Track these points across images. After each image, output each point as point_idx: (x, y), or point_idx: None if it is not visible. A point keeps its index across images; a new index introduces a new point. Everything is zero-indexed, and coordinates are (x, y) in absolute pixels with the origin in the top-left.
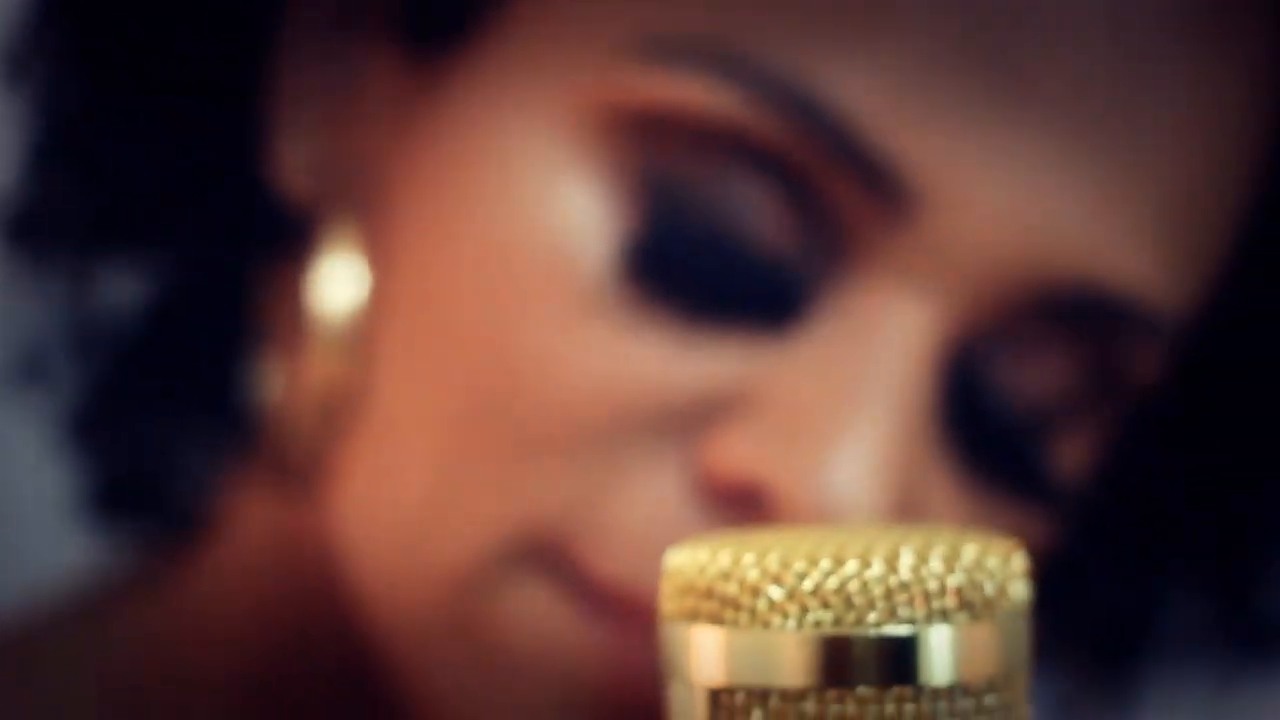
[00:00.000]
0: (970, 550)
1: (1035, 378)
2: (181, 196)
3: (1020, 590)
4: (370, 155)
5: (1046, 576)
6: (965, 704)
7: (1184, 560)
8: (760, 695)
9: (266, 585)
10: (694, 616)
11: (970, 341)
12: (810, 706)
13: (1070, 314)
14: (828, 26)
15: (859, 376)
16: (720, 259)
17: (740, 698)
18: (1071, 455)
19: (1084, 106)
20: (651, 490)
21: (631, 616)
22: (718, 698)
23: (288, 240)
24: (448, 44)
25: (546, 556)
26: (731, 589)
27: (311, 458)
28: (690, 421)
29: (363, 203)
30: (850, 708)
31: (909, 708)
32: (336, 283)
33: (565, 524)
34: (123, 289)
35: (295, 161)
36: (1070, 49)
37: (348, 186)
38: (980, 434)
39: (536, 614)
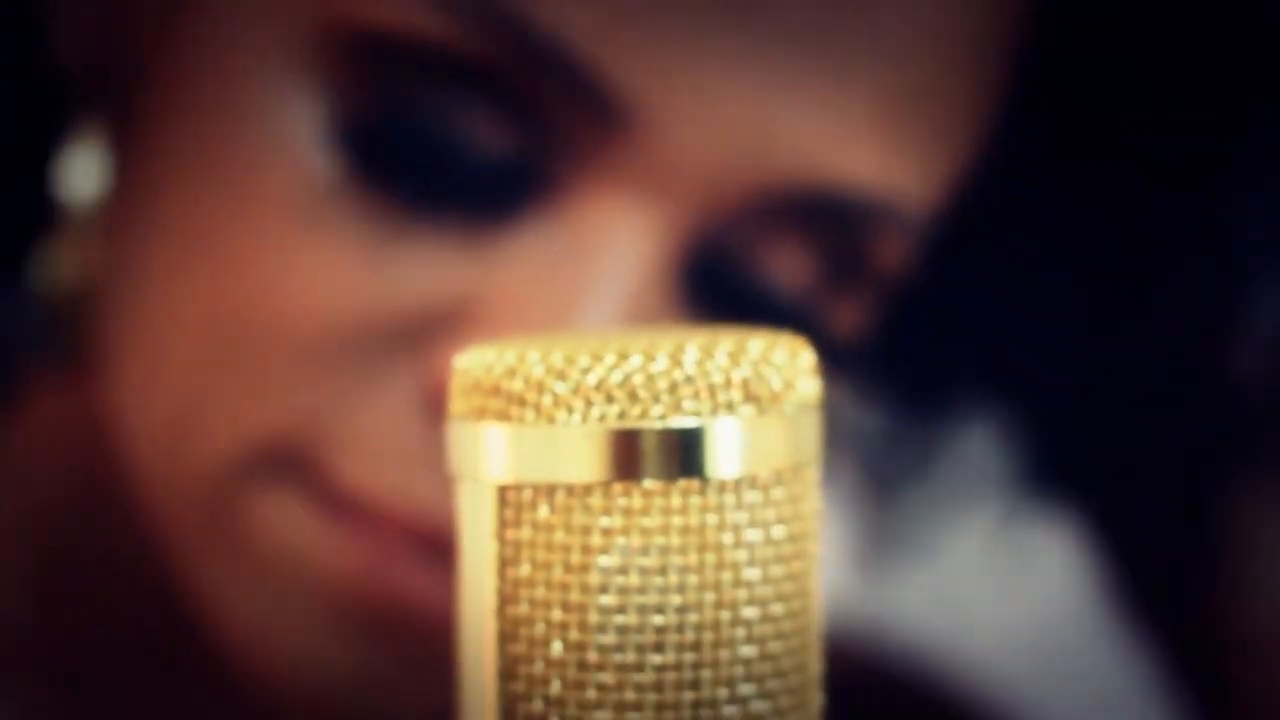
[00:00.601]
0: (756, 345)
1: (785, 268)
2: None
3: (808, 385)
4: (133, 47)
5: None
6: (752, 497)
7: (966, 404)
8: (547, 491)
9: (64, 457)
10: (481, 415)
11: (710, 240)
12: (597, 501)
13: (807, 212)
14: None
15: (582, 283)
16: (441, 169)
17: (528, 494)
18: (843, 323)
19: (804, 9)
20: (389, 401)
21: (377, 526)
22: (505, 495)
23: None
24: None
25: (294, 465)
26: (517, 386)
27: (83, 340)
28: (418, 331)
29: (121, 93)
30: (636, 501)
31: (695, 500)
32: (89, 170)
33: (310, 434)
34: None
35: (71, 43)
36: None
37: (111, 75)
38: (741, 322)
39: (287, 522)
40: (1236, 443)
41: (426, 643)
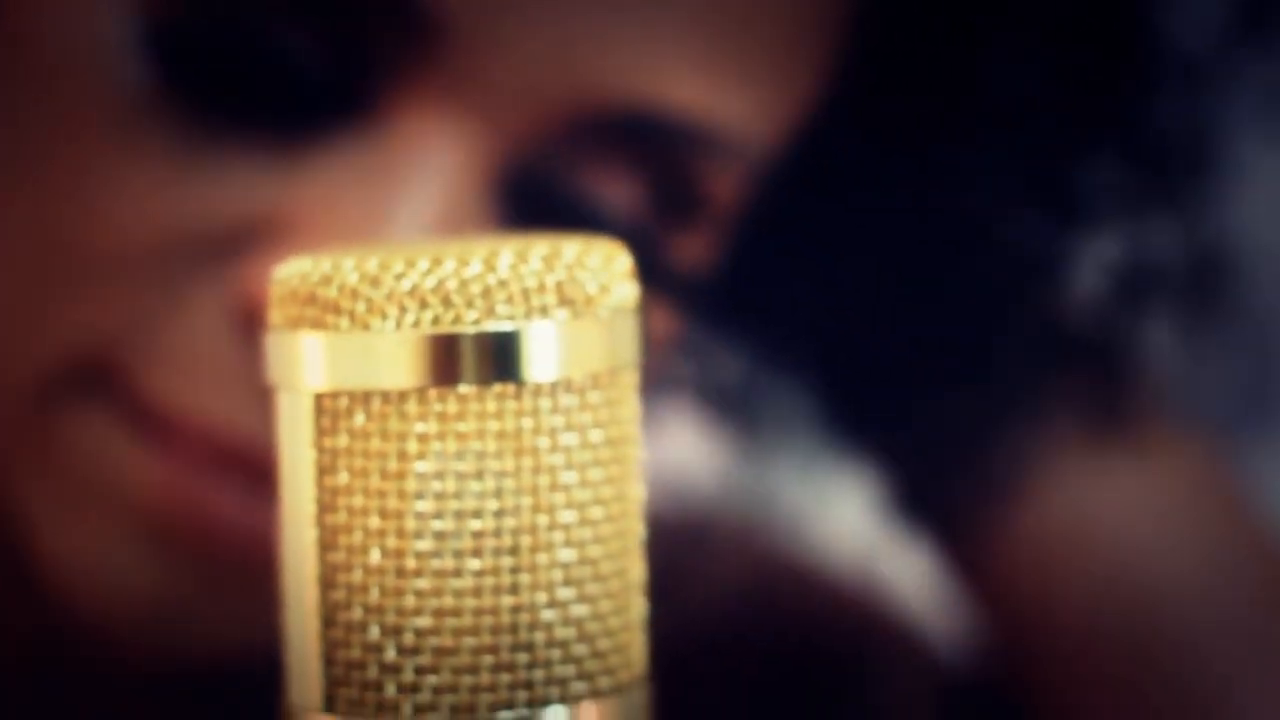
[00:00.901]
0: (571, 249)
1: (612, 192)
2: None
3: (624, 290)
4: None
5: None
6: (568, 400)
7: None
8: (363, 398)
9: None
10: (297, 324)
11: (531, 160)
12: (412, 407)
13: (628, 133)
14: None
15: (392, 198)
16: (255, 81)
17: (344, 402)
18: (682, 255)
19: None
20: (200, 316)
21: (187, 442)
22: (322, 403)
23: None
24: None
25: (104, 382)
26: (331, 293)
27: None
28: (229, 245)
29: None
30: (452, 406)
31: (511, 405)
32: None
33: (120, 349)
34: None
35: None
36: None
37: None
38: None
39: (97, 439)
40: (1053, 387)
41: (239, 560)
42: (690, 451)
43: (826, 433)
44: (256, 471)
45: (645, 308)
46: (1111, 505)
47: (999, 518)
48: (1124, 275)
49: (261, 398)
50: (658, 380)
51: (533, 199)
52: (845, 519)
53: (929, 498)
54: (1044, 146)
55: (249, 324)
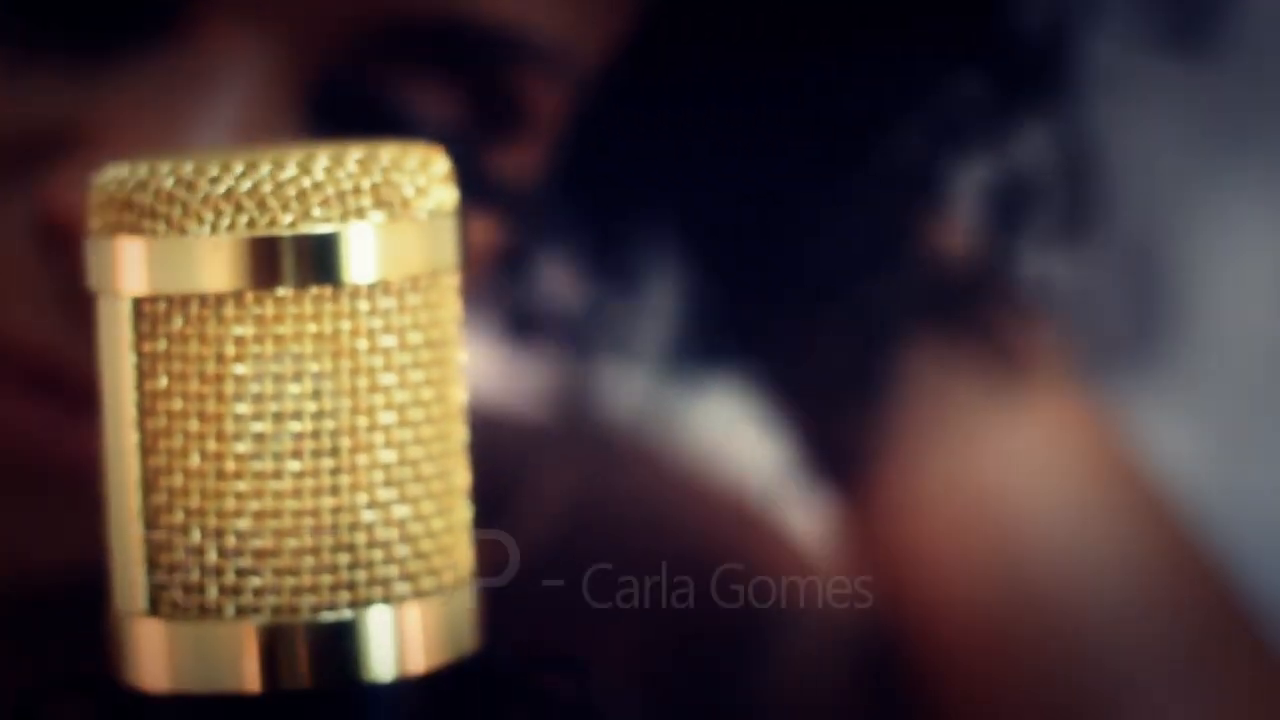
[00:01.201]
0: (387, 152)
1: (429, 104)
2: None
3: (443, 193)
4: None
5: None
6: (387, 303)
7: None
8: (181, 302)
9: None
10: (116, 229)
11: (343, 71)
12: (230, 310)
13: (440, 44)
14: None
15: (194, 109)
16: None
17: (162, 306)
18: (509, 169)
19: None
20: (4, 231)
21: None
22: (141, 308)
23: None
24: None
25: None
26: (147, 199)
27: None
28: (32, 156)
29: None
30: (270, 309)
31: (329, 307)
32: None
33: None
34: None
35: None
36: None
37: None
38: None
39: None
40: (923, 315)
41: (56, 476)
42: (515, 366)
43: (675, 350)
44: (68, 387)
45: (465, 213)
46: (992, 450)
47: (870, 446)
48: (995, 191)
49: (70, 310)
50: (482, 292)
51: (346, 109)
52: (705, 438)
53: (796, 428)
54: (902, 57)
55: (55, 236)
